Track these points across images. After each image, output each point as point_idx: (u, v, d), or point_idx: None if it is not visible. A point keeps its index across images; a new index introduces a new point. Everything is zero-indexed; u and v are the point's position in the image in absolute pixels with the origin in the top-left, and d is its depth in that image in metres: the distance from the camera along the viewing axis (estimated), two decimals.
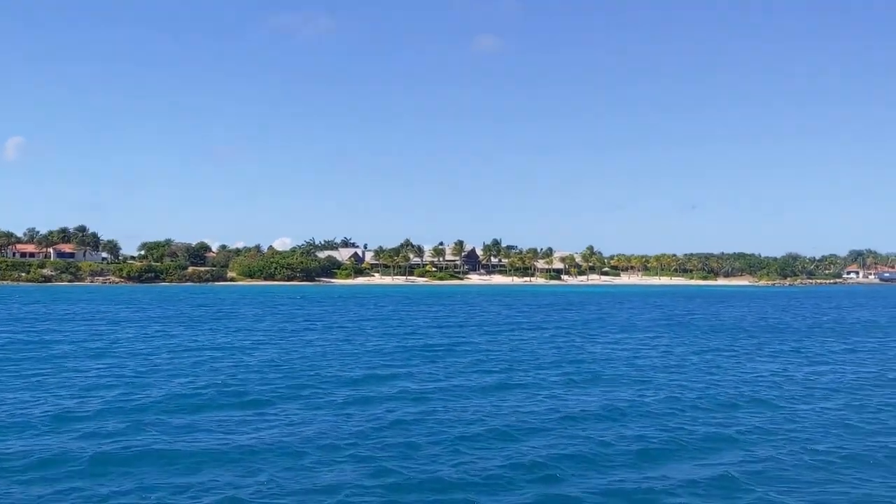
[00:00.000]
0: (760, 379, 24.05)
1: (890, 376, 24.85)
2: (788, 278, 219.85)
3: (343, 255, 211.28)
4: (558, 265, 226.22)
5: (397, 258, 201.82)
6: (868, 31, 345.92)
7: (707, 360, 29.58)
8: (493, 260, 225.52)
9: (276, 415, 17.41)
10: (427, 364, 27.20)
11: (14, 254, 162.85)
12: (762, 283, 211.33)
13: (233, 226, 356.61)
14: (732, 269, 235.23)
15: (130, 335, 38.14)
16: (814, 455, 14.03)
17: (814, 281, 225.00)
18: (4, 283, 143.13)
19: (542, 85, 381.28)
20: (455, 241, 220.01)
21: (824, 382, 23.54)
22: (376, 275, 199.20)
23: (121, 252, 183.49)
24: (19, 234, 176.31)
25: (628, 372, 25.48)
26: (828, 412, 18.21)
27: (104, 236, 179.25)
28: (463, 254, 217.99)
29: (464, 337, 39.01)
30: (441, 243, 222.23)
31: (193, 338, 37.16)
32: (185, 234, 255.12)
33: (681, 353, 31.55)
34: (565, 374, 24.70)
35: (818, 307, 79.02)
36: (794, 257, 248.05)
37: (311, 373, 24.41)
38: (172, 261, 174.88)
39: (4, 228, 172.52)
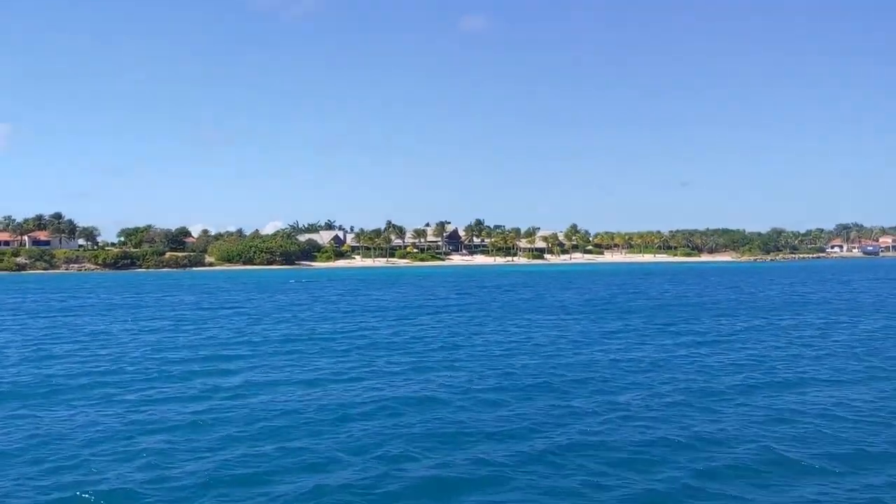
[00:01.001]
0: (593, 362, 24.01)
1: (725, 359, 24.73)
2: (771, 253, 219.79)
3: (324, 237, 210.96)
4: (541, 244, 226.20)
5: (378, 240, 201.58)
6: (852, 11, 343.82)
7: (574, 341, 29.60)
8: (476, 240, 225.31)
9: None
10: (278, 355, 27.06)
11: None
12: (744, 258, 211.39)
13: (225, 211, 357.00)
14: (716, 245, 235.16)
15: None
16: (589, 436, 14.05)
17: (796, 256, 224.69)
18: None
19: (528, 63, 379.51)
20: (437, 222, 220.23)
21: (647, 363, 23.58)
22: (357, 257, 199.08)
23: (100, 239, 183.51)
24: None
25: (464, 357, 25.42)
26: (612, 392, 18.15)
27: (91, 224, 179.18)
28: (445, 235, 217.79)
29: (362, 323, 38.93)
30: (427, 224, 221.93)
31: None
32: (176, 220, 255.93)
33: (553, 336, 31.52)
34: (409, 360, 24.66)
35: (768, 282, 78.96)
36: (779, 232, 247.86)
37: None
38: (150, 246, 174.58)
39: None
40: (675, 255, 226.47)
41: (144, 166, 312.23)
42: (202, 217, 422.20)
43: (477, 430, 15.07)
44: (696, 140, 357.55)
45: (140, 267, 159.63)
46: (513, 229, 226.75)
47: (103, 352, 27.85)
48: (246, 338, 32.11)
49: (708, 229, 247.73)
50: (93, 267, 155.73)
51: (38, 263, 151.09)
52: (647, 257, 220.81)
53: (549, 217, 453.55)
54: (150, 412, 16.95)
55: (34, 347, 29.41)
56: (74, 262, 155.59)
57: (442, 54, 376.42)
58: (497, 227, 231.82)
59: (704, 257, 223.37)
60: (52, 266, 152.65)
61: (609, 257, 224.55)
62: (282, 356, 26.23)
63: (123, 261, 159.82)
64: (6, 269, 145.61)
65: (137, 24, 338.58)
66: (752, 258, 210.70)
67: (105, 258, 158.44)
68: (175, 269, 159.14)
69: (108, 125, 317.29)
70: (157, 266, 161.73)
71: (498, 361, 24.32)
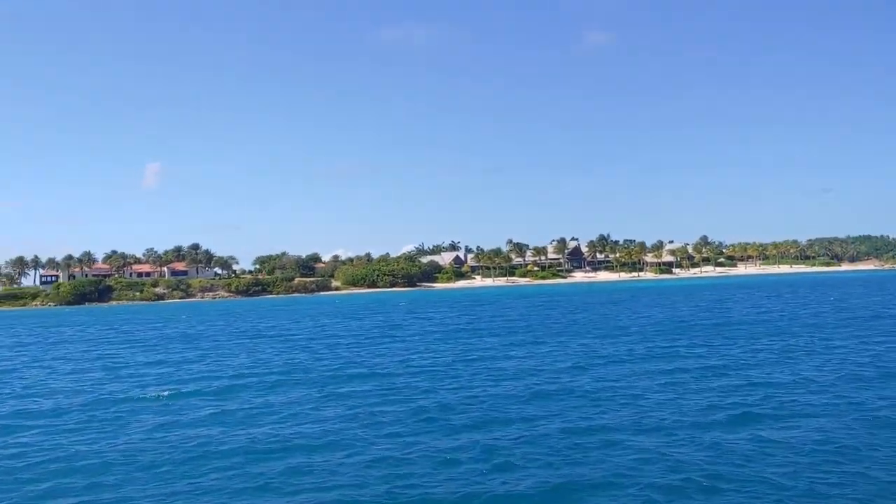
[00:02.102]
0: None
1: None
2: None
3: (445, 258, 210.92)
4: (669, 258, 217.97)
5: (497, 259, 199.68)
6: None
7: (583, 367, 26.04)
8: (600, 256, 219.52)
9: None
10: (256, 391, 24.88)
11: (131, 274, 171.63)
12: (887, 266, 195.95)
13: (362, 238, 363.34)
14: (857, 253, 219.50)
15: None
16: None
17: None
18: (120, 302, 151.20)
19: (651, 75, 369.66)
20: (559, 238, 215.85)
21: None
22: (477, 277, 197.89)
23: (238, 267, 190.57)
24: (139, 254, 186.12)
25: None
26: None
27: (229, 254, 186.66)
28: (567, 251, 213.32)
29: (376, 347, 37.27)
30: (553, 241, 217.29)
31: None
32: (316, 249, 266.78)
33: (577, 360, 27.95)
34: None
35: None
36: None
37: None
38: (282, 273, 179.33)
39: (129, 252, 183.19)
40: (813, 265, 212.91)
41: (284, 199, 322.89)
42: (342, 244, 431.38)
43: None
44: (838, 144, 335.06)
45: (270, 293, 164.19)
46: (638, 243, 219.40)
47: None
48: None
49: (849, 237, 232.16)
50: (226, 294, 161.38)
51: (175, 293, 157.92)
52: (783, 268, 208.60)
53: (680, 230, 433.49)
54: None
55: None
56: (209, 291, 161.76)
57: (559, 69, 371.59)
58: (627, 241, 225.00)
59: (845, 266, 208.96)
60: (189, 295, 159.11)
61: (742, 270, 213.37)
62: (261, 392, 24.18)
63: (255, 287, 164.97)
64: (146, 299, 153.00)
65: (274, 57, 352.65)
66: (895, 265, 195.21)
67: (238, 286, 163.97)
68: (303, 294, 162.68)
69: (250, 159, 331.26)
70: (286, 291, 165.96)
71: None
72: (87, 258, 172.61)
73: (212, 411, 20.84)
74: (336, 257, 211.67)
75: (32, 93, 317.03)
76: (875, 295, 71.68)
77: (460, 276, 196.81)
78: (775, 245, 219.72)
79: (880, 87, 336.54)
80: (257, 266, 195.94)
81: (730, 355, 29.04)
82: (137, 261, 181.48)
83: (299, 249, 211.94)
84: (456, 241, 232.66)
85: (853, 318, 44.32)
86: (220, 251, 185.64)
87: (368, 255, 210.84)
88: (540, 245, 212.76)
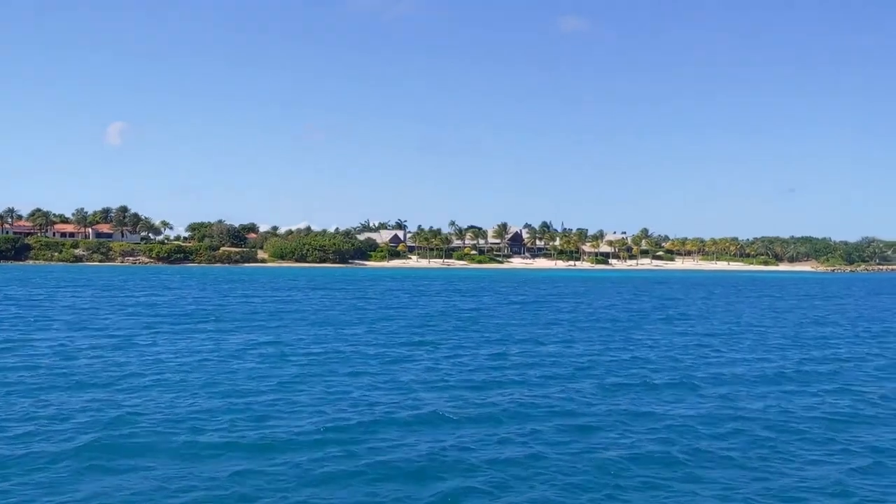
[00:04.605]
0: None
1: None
2: (854, 264, 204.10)
3: (383, 236, 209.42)
4: (607, 248, 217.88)
5: (435, 240, 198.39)
6: None
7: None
8: (539, 243, 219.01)
9: None
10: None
11: (54, 234, 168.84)
12: (821, 268, 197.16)
13: (317, 209, 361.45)
14: (798, 253, 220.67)
15: None
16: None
17: (885, 267, 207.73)
18: (37, 262, 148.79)
19: (619, 63, 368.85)
20: (499, 222, 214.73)
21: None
22: (413, 257, 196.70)
23: (172, 233, 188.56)
24: (69, 214, 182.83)
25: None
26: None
27: (165, 219, 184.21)
28: (507, 236, 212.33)
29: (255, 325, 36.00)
30: (504, 225, 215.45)
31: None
32: (268, 219, 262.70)
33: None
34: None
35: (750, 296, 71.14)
36: (870, 241, 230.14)
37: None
38: (209, 241, 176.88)
39: (59, 211, 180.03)
40: (751, 263, 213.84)
41: (243, 163, 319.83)
42: (301, 218, 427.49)
43: None
44: (799, 145, 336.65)
45: (192, 261, 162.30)
46: (577, 232, 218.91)
47: None
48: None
49: (792, 237, 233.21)
50: (147, 260, 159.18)
51: (94, 255, 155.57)
52: (721, 265, 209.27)
53: (631, 223, 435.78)
54: None
55: None
56: (130, 255, 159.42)
57: (533, 53, 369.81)
58: (565, 230, 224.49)
59: (783, 266, 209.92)
60: (109, 258, 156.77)
61: (679, 264, 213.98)
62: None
63: (177, 255, 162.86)
64: (64, 260, 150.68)
65: (232, 23, 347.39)
66: (828, 268, 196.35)
67: (159, 252, 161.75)
68: (225, 265, 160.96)
69: (215, 122, 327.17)
70: (209, 261, 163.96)
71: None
72: (10, 214, 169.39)
73: None
74: (275, 228, 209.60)
75: None
76: (718, 298, 71.75)
77: (395, 255, 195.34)
78: (714, 241, 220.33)
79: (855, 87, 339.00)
80: (189, 233, 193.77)
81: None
82: (65, 220, 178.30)
83: (249, 220, 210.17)
84: (403, 220, 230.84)
85: (609, 320, 44.02)
86: (171, 218, 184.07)
87: (309, 228, 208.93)
88: (478, 228, 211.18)
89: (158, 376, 19.91)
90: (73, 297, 53.16)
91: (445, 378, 20.50)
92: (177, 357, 23.65)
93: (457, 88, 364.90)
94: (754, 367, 23.76)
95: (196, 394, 17.62)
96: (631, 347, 28.33)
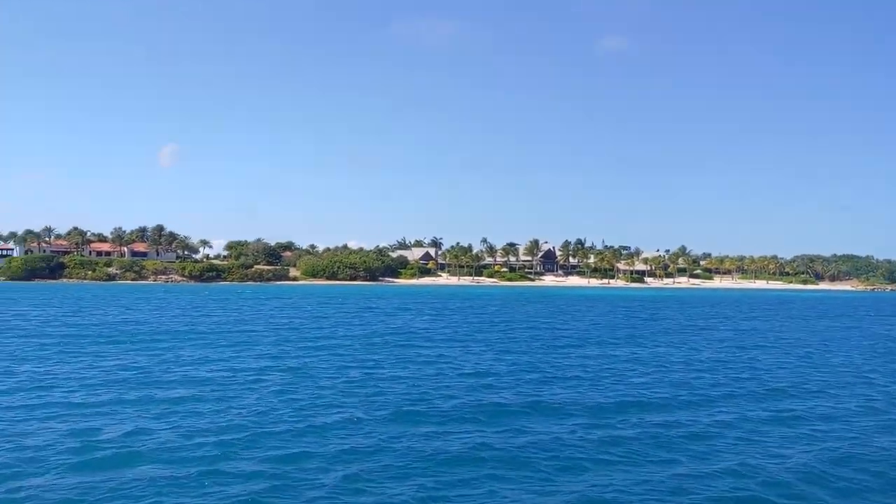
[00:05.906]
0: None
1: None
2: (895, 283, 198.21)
3: (415, 254, 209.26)
4: (643, 266, 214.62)
5: (464, 257, 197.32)
6: None
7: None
8: (573, 260, 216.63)
9: None
10: None
11: (90, 252, 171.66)
12: (860, 287, 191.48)
13: (360, 228, 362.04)
14: (839, 272, 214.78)
15: None
16: None
17: None
18: (71, 280, 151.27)
19: (660, 80, 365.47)
20: (532, 239, 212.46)
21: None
22: (443, 275, 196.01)
23: (212, 252, 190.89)
24: (107, 233, 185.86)
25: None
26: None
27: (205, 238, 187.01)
28: (539, 253, 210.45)
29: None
30: (535, 242, 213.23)
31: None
32: (315, 238, 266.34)
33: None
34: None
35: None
36: None
37: None
38: (245, 259, 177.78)
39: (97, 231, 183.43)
40: (791, 281, 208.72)
41: (285, 186, 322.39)
42: (346, 235, 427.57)
43: None
44: (844, 160, 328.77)
45: (224, 280, 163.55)
46: (612, 249, 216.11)
47: None
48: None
49: (834, 255, 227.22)
50: (179, 279, 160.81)
51: (127, 274, 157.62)
52: (759, 284, 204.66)
53: (668, 240, 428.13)
54: None
55: None
56: (163, 274, 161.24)
57: (566, 76, 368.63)
58: (607, 247, 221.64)
59: (823, 285, 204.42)
60: (142, 277, 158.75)
61: (717, 283, 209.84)
62: None
63: (209, 273, 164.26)
64: (97, 279, 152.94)
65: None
66: (868, 287, 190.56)
67: (192, 270, 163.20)
68: (257, 283, 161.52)
69: (258, 145, 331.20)
70: (241, 279, 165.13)
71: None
72: (48, 233, 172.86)
73: None
74: (312, 247, 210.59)
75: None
76: (725, 318, 69.01)
77: (426, 272, 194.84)
78: (753, 259, 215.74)
79: None
80: (226, 252, 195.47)
81: None
82: (102, 239, 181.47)
83: (291, 239, 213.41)
84: (439, 238, 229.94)
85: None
86: (217, 237, 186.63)
87: (345, 246, 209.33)
88: (508, 245, 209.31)
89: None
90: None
91: None
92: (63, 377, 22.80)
93: (500, 109, 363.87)
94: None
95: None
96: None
